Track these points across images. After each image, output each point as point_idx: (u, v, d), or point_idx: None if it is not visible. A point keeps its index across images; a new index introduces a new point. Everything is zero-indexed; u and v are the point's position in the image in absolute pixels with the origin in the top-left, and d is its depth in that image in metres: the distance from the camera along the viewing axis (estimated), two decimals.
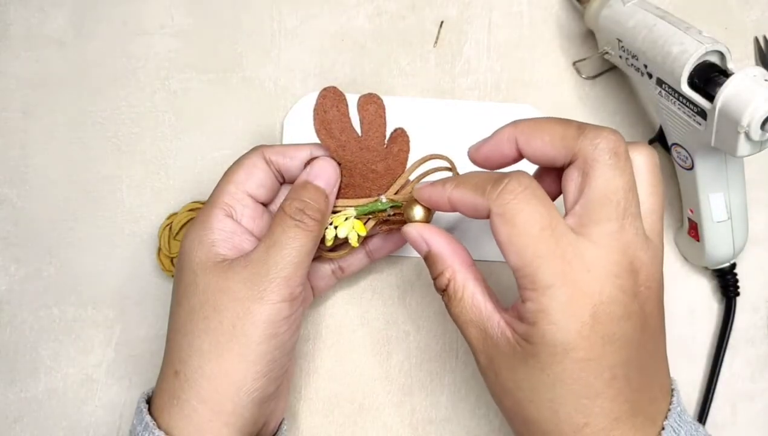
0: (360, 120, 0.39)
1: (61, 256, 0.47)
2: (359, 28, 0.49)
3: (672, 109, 0.40)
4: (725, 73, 0.38)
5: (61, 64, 0.49)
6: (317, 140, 0.39)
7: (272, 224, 0.37)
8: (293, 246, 0.36)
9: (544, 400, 0.32)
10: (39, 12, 0.49)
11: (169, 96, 0.48)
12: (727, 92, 0.36)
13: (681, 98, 0.39)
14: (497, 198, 0.32)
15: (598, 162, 0.31)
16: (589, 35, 0.48)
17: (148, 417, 0.35)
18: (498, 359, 0.33)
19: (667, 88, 0.40)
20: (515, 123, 0.35)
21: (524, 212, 0.31)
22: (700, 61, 0.38)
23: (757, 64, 0.49)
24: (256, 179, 0.39)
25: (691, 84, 0.38)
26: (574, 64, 0.48)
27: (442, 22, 0.49)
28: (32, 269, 0.47)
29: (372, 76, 0.48)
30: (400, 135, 0.40)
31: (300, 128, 0.47)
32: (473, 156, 0.37)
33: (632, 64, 0.42)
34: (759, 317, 0.47)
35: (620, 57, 0.43)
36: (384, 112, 0.39)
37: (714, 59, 0.39)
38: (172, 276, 0.45)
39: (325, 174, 0.38)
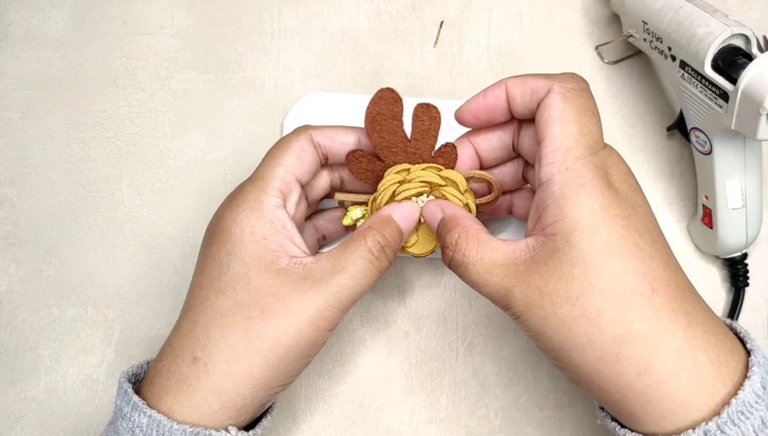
0: (412, 127, 0.38)
1: (61, 256, 0.47)
2: (359, 28, 0.49)
3: (693, 93, 0.41)
4: (749, 57, 0.38)
5: (61, 64, 0.49)
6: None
7: (348, 246, 0.35)
8: (361, 282, 0.35)
9: (603, 275, 0.31)
10: (39, 12, 0.49)
11: (169, 96, 0.48)
12: (751, 74, 0.36)
13: (703, 81, 0.39)
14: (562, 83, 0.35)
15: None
16: (591, 35, 0.48)
17: (135, 397, 0.34)
18: (540, 277, 0.32)
19: (690, 71, 0.40)
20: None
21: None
22: (725, 44, 0.39)
23: None
24: (305, 164, 0.37)
25: (715, 67, 0.39)
26: (596, 48, 0.48)
27: (442, 22, 0.49)
28: (32, 269, 0.47)
29: (372, 76, 0.48)
30: (449, 151, 0.39)
31: None
32: (461, 111, 0.38)
33: (656, 47, 0.43)
34: (759, 316, 0.47)
35: (644, 40, 0.44)
36: (438, 126, 0.38)
37: (739, 43, 0.39)
38: None
39: (411, 218, 0.38)
